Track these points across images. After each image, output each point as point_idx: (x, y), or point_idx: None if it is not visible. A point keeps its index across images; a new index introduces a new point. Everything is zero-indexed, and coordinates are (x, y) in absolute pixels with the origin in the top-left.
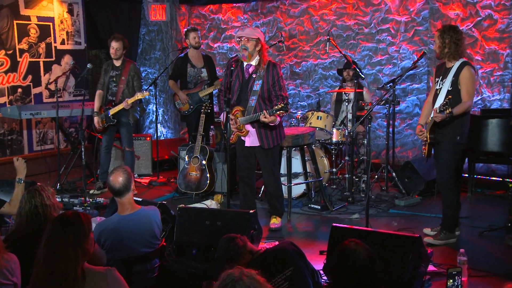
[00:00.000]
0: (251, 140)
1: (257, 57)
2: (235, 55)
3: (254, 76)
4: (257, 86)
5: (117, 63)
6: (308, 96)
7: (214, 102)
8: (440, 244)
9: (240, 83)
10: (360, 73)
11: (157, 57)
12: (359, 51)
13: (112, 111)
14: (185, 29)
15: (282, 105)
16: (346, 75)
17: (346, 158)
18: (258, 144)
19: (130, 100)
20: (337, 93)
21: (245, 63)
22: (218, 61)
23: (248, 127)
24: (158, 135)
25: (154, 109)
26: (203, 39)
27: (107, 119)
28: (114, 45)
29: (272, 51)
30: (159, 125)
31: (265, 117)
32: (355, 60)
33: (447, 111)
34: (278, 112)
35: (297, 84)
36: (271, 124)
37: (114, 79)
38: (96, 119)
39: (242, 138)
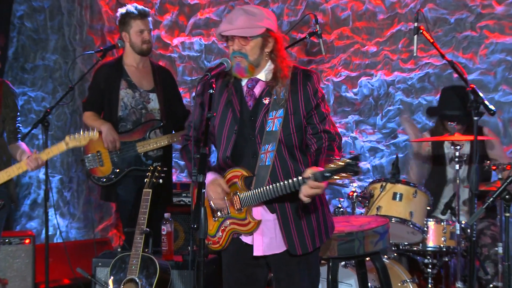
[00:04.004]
0: (267, 241)
1: (268, 64)
2: (217, 63)
3: (266, 101)
4: (274, 123)
5: None
6: (374, 149)
7: (177, 162)
8: None
9: (235, 118)
10: (486, 103)
11: (50, 66)
12: (483, 53)
13: None
14: (121, 12)
15: (348, 161)
16: (449, 127)
17: (459, 285)
18: (283, 249)
19: (50, 153)
20: (437, 143)
21: (244, 80)
22: (181, 75)
23: (262, 212)
24: (50, 233)
25: (43, 176)
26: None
27: None
28: None
29: (296, 55)
30: (51, 213)
31: (311, 188)
32: (475, 75)
33: None
34: (338, 176)
35: (350, 123)
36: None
37: None
38: None
39: (244, 237)
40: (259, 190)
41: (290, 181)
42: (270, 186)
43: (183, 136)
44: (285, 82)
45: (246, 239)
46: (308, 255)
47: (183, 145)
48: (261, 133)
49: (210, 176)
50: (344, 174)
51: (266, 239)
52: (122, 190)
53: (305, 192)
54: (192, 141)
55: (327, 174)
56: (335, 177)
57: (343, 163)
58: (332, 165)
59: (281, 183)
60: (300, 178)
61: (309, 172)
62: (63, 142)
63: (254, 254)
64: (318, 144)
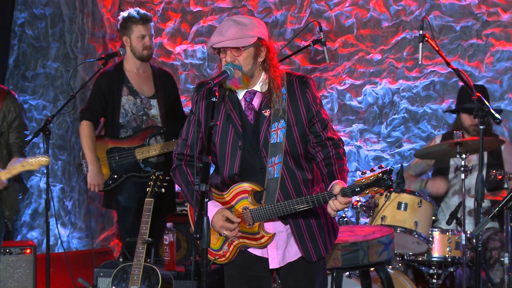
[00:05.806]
0: (281, 253)
1: (262, 75)
2: (218, 77)
3: (266, 114)
4: (278, 134)
5: None
6: (377, 158)
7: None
8: None
9: (238, 133)
10: (492, 112)
11: (52, 73)
12: (489, 61)
13: None
14: (122, 15)
15: (380, 174)
16: (468, 121)
17: None
18: (295, 258)
19: (7, 174)
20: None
21: (240, 93)
22: (183, 83)
23: (274, 224)
24: (51, 243)
25: (44, 185)
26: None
27: None
28: None
29: (300, 63)
30: (53, 222)
31: (342, 204)
32: (481, 84)
33: None
34: (369, 190)
35: (354, 132)
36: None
37: None
38: None
39: (252, 249)
40: (279, 205)
41: (318, 196)
42: (286, 203)
43: (175, 155)
44: (280, 92)
45: (255, 251)
46: (317, 264)
47: (176, 165)
48: (265, 146)
49: (213, 208)
50: (376, 188)
51: (280, 251)
52: (123, 197)
53: (335, 208)
54: (194, 158)
55: (357, 189)
56: (366, 191)
57: (374, 178)
58: (362, 180)
59: (307, 197)
60: (328, 193)
61: (338, 188)
62: (20, 164)
63: (271, 267)
64: (324, 153)
